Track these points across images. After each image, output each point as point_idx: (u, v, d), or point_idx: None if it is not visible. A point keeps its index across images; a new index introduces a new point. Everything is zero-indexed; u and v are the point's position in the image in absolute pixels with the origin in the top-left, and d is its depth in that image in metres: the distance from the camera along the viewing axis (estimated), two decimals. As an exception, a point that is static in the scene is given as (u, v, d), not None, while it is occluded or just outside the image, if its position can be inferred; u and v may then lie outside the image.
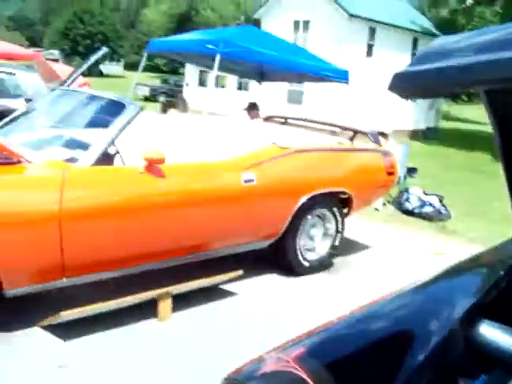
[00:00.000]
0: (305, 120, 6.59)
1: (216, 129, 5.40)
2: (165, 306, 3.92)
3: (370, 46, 25.33)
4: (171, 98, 29.20)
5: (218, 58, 8.06)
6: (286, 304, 4.46)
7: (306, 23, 25.61)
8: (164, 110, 11.32)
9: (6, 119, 4.81)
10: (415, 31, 26.67)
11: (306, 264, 5.10)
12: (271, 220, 4.67)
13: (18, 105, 7.85)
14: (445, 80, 1.19)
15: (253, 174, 4.36)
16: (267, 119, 6.82)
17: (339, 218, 5.28)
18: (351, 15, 23.56)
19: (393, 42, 25.35)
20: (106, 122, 3.90)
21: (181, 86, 35.47)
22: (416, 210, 8.39)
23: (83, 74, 8.83)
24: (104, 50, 8.77)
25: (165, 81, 39.09)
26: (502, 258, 2.03)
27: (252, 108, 9.16)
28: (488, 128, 1.75)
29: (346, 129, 6.09)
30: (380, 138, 6.03)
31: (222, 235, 4.38)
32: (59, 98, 4.92)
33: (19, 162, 3.57)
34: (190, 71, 34.16)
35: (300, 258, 5.04)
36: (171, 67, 54.13)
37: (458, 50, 1.19)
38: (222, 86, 27.26)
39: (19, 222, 3.23)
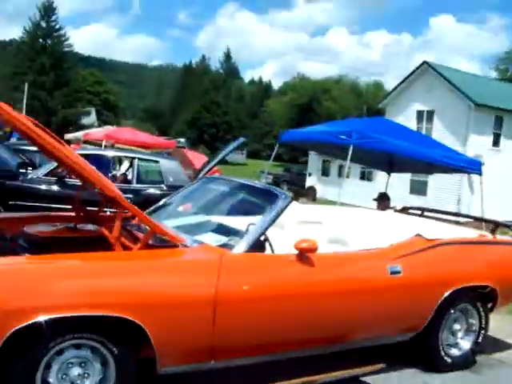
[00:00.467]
0: (442, 212, 6.53)
1: (359, 220, 5.50)
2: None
3: (496, 135, 24.74)
4: (294, 187, 29.85)
5: (351, 148, 8.29)
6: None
7: (430, 113, 25.60)
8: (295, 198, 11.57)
9: (158, 204, 5.18)
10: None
11: (448, 360, 4.92)
12: (414, 313, 4.60)
13: (161, 191, 8.43)
14: None
15: (399, 266, 4.37)
16: (403, 210, 6.83)
17: (483, 314, 5.09)
18: (477, 104, 23.27)
19: (522, 131, 24.66)
20: (258, 211, 4.11)
21: (303, 174, 36.19)
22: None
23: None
24: (241, 139, 9.30)
25: (287, 169, 40.16)
26: None
27: (382, 198, 9.22)
28: None
29: (487, 221, 5.96)
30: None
31: (366, 326, 4.37)
32: (208, 185, 5.25)
33: (176, 245, 3.82)
34: (313, 161, 34.84)
35: (442, 353, 4.88)
36: (292, 156, 55.67)
37: None
38: (347, 176, 27.49)
39: (177, 303, 3.42)
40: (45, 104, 56.20)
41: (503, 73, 51.88)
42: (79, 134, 22.44)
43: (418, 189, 24.60)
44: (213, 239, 3.95)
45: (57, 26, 66.18)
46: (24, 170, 8.62)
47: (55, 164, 8.31)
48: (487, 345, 5.36)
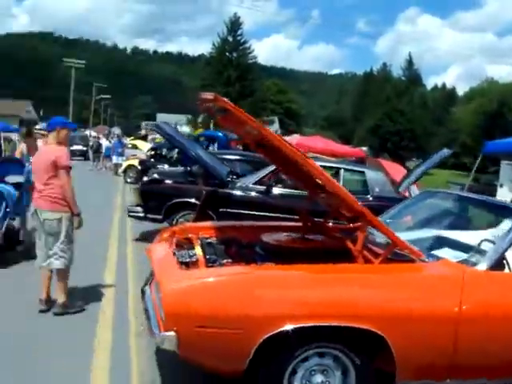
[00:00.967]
0: None
1: None
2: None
3: None
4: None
5: None
6: None
7: None
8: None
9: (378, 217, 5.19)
10: None
11: None
12: None
13: (367, 202, 8.30)
14: None
15: None
16: None
17: None
18: None
19: None
20: (487, 226, 3.98)
21: (493, 185, 34.04)
22: None
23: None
24: (446, 151, 8.99)
25: (476, 179, 38.06)
26: None
27: None
28: None
29: None
30: None
31: None
32: (429, 199, 5.16)
33: (414, 260, 3.80)
34: (506, 170, 32.59)
35: None
36: (479, 165, 52.47)
37: None
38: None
39: (419, 318, 3.40)
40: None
41: None
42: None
43: None
44: (450, 255, 3.89)
45: (242, 40, 69.78)
46: (231, 179, 9.07)
47: (263, 173, 8.72)
48: None
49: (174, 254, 4.07)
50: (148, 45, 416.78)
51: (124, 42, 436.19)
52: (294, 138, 21.81)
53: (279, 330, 3.20)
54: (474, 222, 4.45)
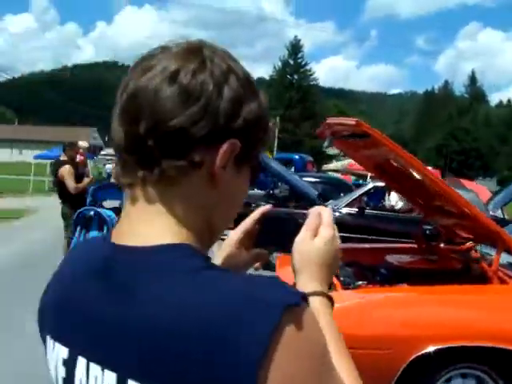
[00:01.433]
0: None
1: None
2: None
3: None
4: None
5: None
6: None
7: None
8: None
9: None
10: None
11: None
12: None
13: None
14: None
15: None
16: None
17: None
18: None
19: None
20: None
21: None
22: None
23: None
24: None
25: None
26: None
27: None
28: None
29: None
30: None
31: None
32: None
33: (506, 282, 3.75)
34: None
35: None
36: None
37: None
38: None
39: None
40: (292, 135, 59.55)
41: None
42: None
43: None
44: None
45: (303, 63, 70.29)
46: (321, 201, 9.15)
47: (354, 195, 8.78)
48: None
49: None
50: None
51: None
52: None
53: (424, 351, 3.25)
54: None
